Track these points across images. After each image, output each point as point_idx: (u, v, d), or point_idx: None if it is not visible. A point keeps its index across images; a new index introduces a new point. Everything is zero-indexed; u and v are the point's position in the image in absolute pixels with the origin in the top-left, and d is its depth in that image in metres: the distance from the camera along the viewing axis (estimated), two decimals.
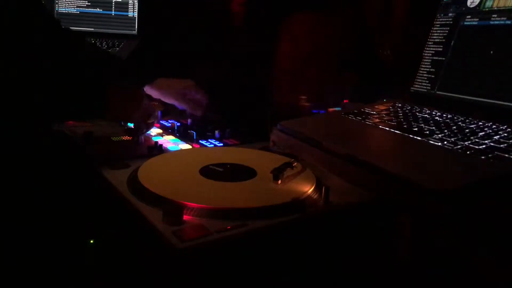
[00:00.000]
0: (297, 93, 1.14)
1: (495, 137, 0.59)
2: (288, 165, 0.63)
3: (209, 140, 0.91)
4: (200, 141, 0.90)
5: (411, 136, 0.65)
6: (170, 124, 1.03)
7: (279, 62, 1.23)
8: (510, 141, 0.57)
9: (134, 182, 0.59)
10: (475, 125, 0.66)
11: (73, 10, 1.49)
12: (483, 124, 0.66)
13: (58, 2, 1.49)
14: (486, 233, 0.47)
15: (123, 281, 0.54)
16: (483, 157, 0.53)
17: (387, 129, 0.71)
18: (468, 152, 0.55)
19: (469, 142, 0.58)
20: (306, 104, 1.13)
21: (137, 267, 0.52)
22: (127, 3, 1.49)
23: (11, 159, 0.59)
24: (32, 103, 0.59)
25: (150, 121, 0.85)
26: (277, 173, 0.61)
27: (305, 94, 1.14)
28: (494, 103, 0.71)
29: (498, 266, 0.47)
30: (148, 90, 0.95)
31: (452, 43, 0.83)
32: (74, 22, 1.49)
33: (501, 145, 0.56)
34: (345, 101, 1.09)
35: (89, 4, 1.50)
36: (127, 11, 1.50)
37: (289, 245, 0.52)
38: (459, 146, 0.57)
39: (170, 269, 0.46)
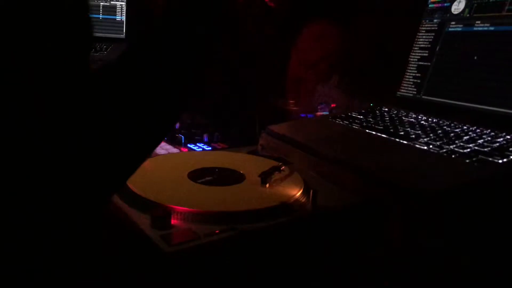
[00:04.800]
0: (287, 97, 1.14)
1: (479, 141, 0.60)
2: (276, 169, 0.64)
3: (198, 144, 0.91)
4: (188, 145, 0.90)
5: (397, 140, 0.66)
6: None
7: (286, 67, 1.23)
8: (494, 145, 0.58)
9: None
10: (460, 129, 0.67)
11: None
12: (468, 128, 0.68)
13: None
14: (470, 234, 0.48)
15: (112, 285, 0.54)
16: (467, 161, 0.54)
17: (374, 133, 0.71)
18: (453, 156, 0.56)
19: (454, 146, 0.59)
20: (294, 108, 1.14)
21: (125, 271, 0.52)
22: (115, 7, 1.49)
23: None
24: None
25: None
26: (265, 177, 0.61)
27: (294, 98, 1.15)
28: (478, 107, 0.73)
29: (482, 266, 0.47)
30: None
31: (437, 49, 0.84)
32: None
33: (485, 149, 0.57)
34: (332, 105, 1.10)
35: None
36: (115, 15, 1.49)
37: (277, 249, 0.52)
38: (444, 150, 0.58)
39: (159, 273, 0.46)
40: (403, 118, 0.79)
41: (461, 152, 0.57)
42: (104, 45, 1.45)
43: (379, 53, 1.05)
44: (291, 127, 0.80)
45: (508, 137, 0.61)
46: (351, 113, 0.85)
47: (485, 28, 0.76)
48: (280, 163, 0.66)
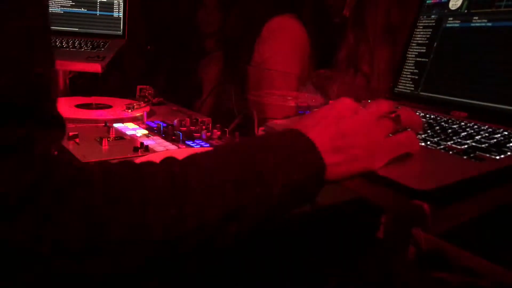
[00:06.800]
0: (284, 93, 1.14)
1: (476, 137, 0.60)
2: None
3: (196, 141, 0.91)
4: (186, 141, 0.90)
5: None
6: (156, 125, 1.03)
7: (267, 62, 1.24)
8: (491, 141, 0.59)
9: None
10: (457, 125, 0.67)
11: (58, 10, 1.48)
12: (465, 124, 0.68)
13: None
14: (468, 231, 0.48)
15: None
16: (465, 157, 0.54)
17: None
18: (450, 152, 0.56)
19: (452, 142, 0.59)
20: (292, 104, 1.13)
21: None
22: (112, 3, 1.48)
23: None
24: None
25: None
26: None
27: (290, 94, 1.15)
28: (476, 103, 0.73)
29: (483, 265, 0.48)
30: None
31: (434, 45, 0.84)
32: (58, 22, 1.47)
33: (482, 145, 0.57)
34: (330, 102, 1.10)
35: (74, 4, 1.48)
36: (112, 11, 1.49)
37: (275, 245, 0.52)
38: (442, 146, 0.58)
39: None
40: None
41: (458, 148, 0.57)
42: (101, 42, 1.44)
43: (377, 50, 1.05)
44: (289, 123, 0.80)
45: (505, 133, 0.61)
46: None
47: (483, 24, 0.76)
48: None
